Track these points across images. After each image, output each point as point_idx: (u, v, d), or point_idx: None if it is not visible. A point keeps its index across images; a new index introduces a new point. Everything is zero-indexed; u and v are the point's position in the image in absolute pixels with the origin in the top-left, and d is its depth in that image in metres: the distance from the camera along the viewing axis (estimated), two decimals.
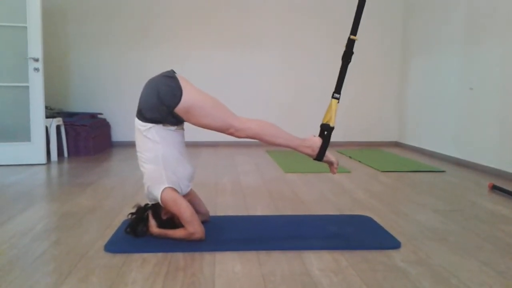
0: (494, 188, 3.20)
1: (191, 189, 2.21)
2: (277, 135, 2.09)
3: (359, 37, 2.15)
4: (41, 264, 1.79)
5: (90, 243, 2.03)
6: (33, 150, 4.15)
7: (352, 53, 2.14)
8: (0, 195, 2.97)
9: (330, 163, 2.16)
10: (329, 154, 2.14)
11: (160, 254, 1.89)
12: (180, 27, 5.55)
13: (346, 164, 4.29)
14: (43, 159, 4.17)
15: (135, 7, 5.47)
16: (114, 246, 1.97)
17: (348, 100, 5.34)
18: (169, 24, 5.53)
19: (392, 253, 1.94)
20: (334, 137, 2.16)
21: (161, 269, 1.75)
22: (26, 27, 4.04)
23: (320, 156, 2.12)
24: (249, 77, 5.68)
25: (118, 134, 5.60)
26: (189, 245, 1.96)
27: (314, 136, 2.15)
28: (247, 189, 3.21)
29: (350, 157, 4.76)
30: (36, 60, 4.09)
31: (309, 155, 2.13)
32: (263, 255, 1.90)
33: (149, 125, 1.99)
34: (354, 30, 2.13)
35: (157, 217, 2.06)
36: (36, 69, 4.10)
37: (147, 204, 2.13)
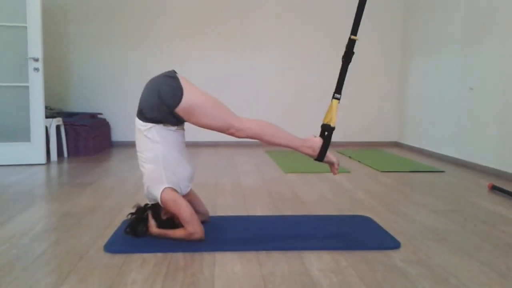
0: (494, 188, 3.20)
1: (190, 189, 2.21)
2: (277, 135, 2.09)
3: (359, 37, 2.15)
4: (41, 264, 1.79)
5: (89, 243, 2.03)
6: (33, 150, 4.15)
7: (353, 53, 2.14)
8: (0, 195, 2.97)
9: (331, 164, 2.16)
10: (330, 155, 2.13)
11: (159, 254, 1.89)
12: (180, 27, 5.55)
13: (346, 164, 4.29)
14: (43, 159, 4.17)
15: (135, 7, 5.47)
16: (113, 246, 1.97)
17: (348, 100, 5.34)
18: (169, 24, 5.53)
19: (392, 253, 1.94)
20: (334, 137, 2.16)
21: (160, 269, 1.75)
22: (26, 27, 4.04)
23: (321, 156, 2.11)
24: (249, 77, 5.68)
25: (118, 134, 5.60)
26: (189, 245, 1.96)
27: (315, 136, 2.15)
28: (247, 189, 3.21)
29: (349, 157, 4.76)
30: (36, 60, 4.09)
31: (310, 156, 2.13)
32: (263, 255, 1.90)
33: (150, 125, 1.99)
34: (354, 30, 2.12)
35: (156, 217, 2.06)
36: (36, 69, 4.10)
37: (146, 204, 2.13)
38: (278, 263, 1.81)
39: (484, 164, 3.98)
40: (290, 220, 2.44)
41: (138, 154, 2.06)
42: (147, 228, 2.06)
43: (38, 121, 4.16)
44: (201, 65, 5.55)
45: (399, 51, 5.82)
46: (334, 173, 2.18)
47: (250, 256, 1.88)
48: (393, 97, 5.89)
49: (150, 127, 1.99)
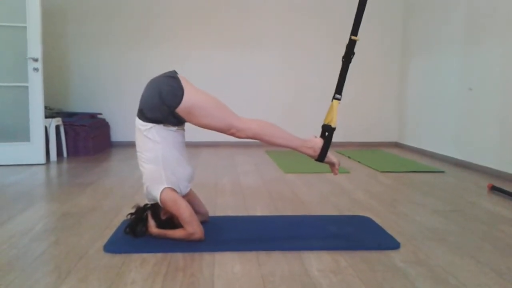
0: (493, 188, 3.20)
1: (190, 189, 2.21)
2: (278, 135, 2.09)
3: (359, 37, 2.14)
4: (41, 264, 1.79)
5: (89, 243, 2.03)
6: (32, 150, 4.15)
7: (354, 53, 2.13)
8: (0, 195, 2.97)
9: (332, 164, 2.16)
10: (331, 155, 2.13)
11: (159, 254, 1.89)
12: (180, 27, 5.54)
13: (345, 164, 4.29)
14: (42, 159, 4.17)
15: (135, 7, 5.47)
16: (113, 246, 1.97)
17: (348, 100, 5.31)
18: (169, 24, 5.53)
19: (392, 253, 1.94)
20: (334, 137, 2.16)
21: (160, 269, 1.75)
22: (25, 27, 4.04)
23: (321, 157, 2.11)
24: (249, 77, 5.68)
25: (117, 134, 5.60)
26: (189, 245, 1.96)
27: (315, 137, 2.15)
28: (246, 189, 3.21)
29: (349, 157, 4.76)
30: (36, 60, 4.09)
31: (311, 156, 2.12)
32: (262, 255, 1.90)
33: (150, 125, 1.99)
34: (355, 31, 2.11)
35: (156, 217, 2.06)
36: (36, 69, 4.10)
37: (146, 204, 2.13)
38: (278, 263, 1.81)
39: (484, 164, 3.97)
40: (290, 220, 2.44)
41: (138, 154, 2.06)
42: (146, 228, 2.06)
43: (37, 121, 4.16)
44: (201, 65, 5.55)
45: (399, 51, 5.82)
46: (335, 174, 2.17)
47: (250, 256, 1.88)
48: (393, 97, 5.89)
49: (150, 127, 1.99)
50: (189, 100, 1.96)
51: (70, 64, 5.48)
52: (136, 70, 5.48)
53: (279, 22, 5.64)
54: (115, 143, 5.59)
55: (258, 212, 2.61)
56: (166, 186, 1.98)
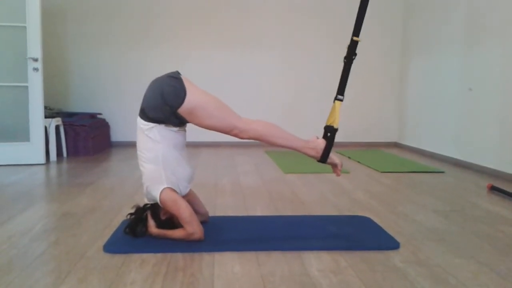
0: (493, 189, 3.20)
1: (190, 190, 2.21)
2: (281, 136, 2.09)
3: (360, 38, 2.13)
4: (41, 264, 1.79)
5: (89, 243, 2.03)
6: (32, 150, 4.15)
7: (355, 54, 2.12)
8: (0, 195, 2.97)
9: (334, 165, 2.16)
10: (333, 156, 2.13)
11: (159, 255, 1.89)
12: (180, 27, 5.54)
13: (345, 164, 4.29)
14: (42, 159, 4.17)
15: (135, 7, 5.47)
16: (113, 246, 1.97)
17: (348, 100, 5.26)
18: (169, 24, 5.53)
19: (391, 253, 1.94)
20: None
21: (160, 269, 1.75)
22: (25, 27, 4.04)
23: (324, 158, 2.11)
24: (249, 77, 5.68)
25: (117, 134, 5.60)
26: (188, 245, 1.96)
27: (318, 137, 2.14)
28: (246, 189, 3.21)
29: (349, 157, 4.76)
30: (36, 60, 4.09)
31: (313, 157, 2.12)
32: (262, 255, 1.90)
33: (152, 124, 1.99)
34: (356, 31, 2.10)
35: (156, 218, 2.06)
36: (36, 69, 4.10)
37: (146, 205, 2.13)
38: (278, 263, 1.81)
39: (484, 164, 3.97)
40: (290, 220, 2.44)
41: (138, 153, 2.07)
42: (146, 228, 2.06)
43: (37, 121, 4.16)
44: (201, 65, 5.54)
45: (399, 51, 5.82)
46: (337, 175, 2.17)
47: (249, 256, 1.88)
48: (393, 97, 5.89)
49: (152, 127, 1.99)
50: (192, 101, 1.96)
51: (70, 64, 5.48)
52: (136, 70, 5.48)
53: (279, 22, 5.64)
54: (115, 143, 5.59)
55: (258, 212, 2.60)
56: (166, 186, 1.98)
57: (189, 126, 2.10)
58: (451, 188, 3.34)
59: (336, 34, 5.52)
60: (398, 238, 2.12)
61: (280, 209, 2.68)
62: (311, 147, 2.10)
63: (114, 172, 3.86)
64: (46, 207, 2.70)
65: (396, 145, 5.90)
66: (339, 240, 2.11)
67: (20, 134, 4.15)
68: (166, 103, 1.95)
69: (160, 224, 2.06)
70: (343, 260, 1.86)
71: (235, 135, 2.03)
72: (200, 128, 2.08)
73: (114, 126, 5.59)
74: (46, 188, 3.24)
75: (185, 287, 1.59)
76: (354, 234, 2.20)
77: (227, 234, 2.17)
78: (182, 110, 1.96)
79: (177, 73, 2.07)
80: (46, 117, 4.29)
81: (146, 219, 2.07)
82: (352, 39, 2.10)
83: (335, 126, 2.13)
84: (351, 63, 2.13)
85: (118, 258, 1.85)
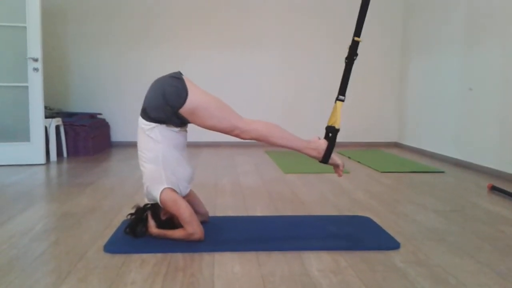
0: (493, 189, 3.20)
1: (190, 190, 2.21)
2: (282, 136, 2.09)
3: (361, 38, 2.13)
4: (41, 264, 1.79)
5: (89, 243, 2.03)
6: (32, 150, 4.15)
7: (357, 54, 2.12)
8: (0, 195, 2.97)
9: (336, 166, 2.16)
10: (335, 156, 2.13)
11: (159, 255, 1.89)
12: (180, 27, 5.54)
13: (345, 164, 4.27)
14: (42, 159, 4.17)
15: (135, 7, 5.47)
16: (113, 246, 1.97)
17: (348, 100, 5.23)
18: (169, 24, 5.53)
19: (392, 253, 1.94)
20: None
21: (160, 269, 1.75)
22: (25, 27, 4.04)
23: (326, 158, 2.11)
24: (249, 77, 5.68)
25: (117, 134, 5.60)
26: (189, 245, 1.96)
27: (319, 138, 2.14)
28: (246, 189, 3.21)
29: (349, 157, 4.76)
30: (36, 60, 4.09)
31: (315, 158, 2.12)
32: (262, 255, 1.90)
33: (153, 124, 1.99)
34: (357, 32, 2.10)
35: (156, 218, 2.06)
36: (36, 69, 4.10)
37: (146, 205, 2.13)
38: (278, 264, 1.81)
39: (484, 164, 3.97)
40: (290, 220, 2.44)
41: (139, 153, 2.07)
42: (146, 229, 2.06)
43: (37, 121, 4.16)
44: (201, 65, 5.54)
45: (399, 51, 5.82)
46: (339, 175, 2.17)
47: (249, 257, 1.88)
48: (393, 97, 5.89)
49: (153, 127, 1.99)
50: (193, 101, 1.96)
51: (70, 64, 5.48)
52: (136, 70, 5.48)
53: (279, 22, 5.64)
54: (115, 143, 5.59)
55: (258, 212, 2.60)
56: (166, 186, 1.98)
57: (189, 126, 2.10)
58: (451, 188, 3.34)
59: (336, 34, 5.52)
60: (398, 238, 2.13)
61: (280, 209, 2.68)
62: (312, 148, 2.10)
63: (114, 172, 3.86)
64: (46, 207, 2.70)
65: (396, 145, 5.90)
66: (339, 240, 2.11)
67: (20, 134, 4.15)
68: (167, 103, 1.95)
69: (160, 224, 2.06)
70: (343, 260, 1.86)
71: (236, 136, 2.03)
72: (201, 128, 2.08)
73: (114, 126, 5.59)
74: (46, 188, 3.25)
75: (185, 287, 1.60)
76: (354, 234, 2.20)
77: (227, 234, 2.17)
78: (184, 111, 1.96)
79: (179, 73, 2.07)
80: (46, 117, 4.30)
81: (146, 219, 2.07)
82: (353, 39, 2.10)
83: (337, 127, 2.13)
84: (353, 63, 2.13)
85: (118, 258, 1.85)
